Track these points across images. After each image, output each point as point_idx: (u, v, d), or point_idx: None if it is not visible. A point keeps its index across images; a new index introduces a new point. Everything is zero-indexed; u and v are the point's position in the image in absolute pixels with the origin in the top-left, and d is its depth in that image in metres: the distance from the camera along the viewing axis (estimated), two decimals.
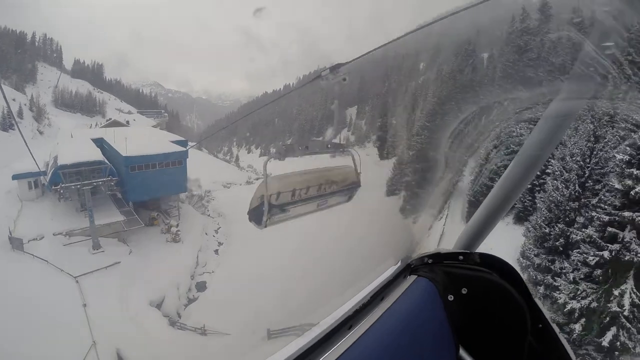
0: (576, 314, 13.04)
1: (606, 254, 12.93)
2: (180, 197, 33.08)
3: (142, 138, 34.13)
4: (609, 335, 12.04)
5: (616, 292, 12.28)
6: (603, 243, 13.30)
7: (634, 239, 12.73)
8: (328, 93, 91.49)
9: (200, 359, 16.34)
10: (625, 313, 11.91)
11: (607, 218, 13.50)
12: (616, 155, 14.37)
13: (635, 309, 12.13)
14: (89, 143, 32.27)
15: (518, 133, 20.97)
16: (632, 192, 12.45)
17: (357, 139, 71.83)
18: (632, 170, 12.88)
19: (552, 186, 16.81)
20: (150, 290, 21.32)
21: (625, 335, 12.02)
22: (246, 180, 54.25)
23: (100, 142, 33.10)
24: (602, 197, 15.05)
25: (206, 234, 31.46)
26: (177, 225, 29.06)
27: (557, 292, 14.69)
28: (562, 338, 1.29)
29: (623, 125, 15.75)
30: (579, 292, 13.41)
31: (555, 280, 15.21)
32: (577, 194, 16.74)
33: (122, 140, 29.37)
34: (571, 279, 14.49)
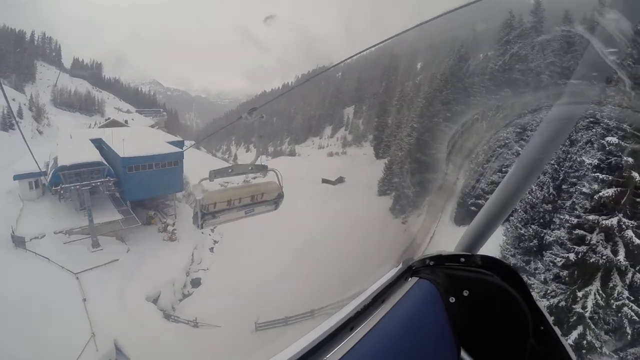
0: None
1: (572, 256, 13.45)
2: (177, 197, 33.77)
3: (139, 139, 34.68)
4: (574, 334, 12.39)
5: (580, 294, 12.74)
6: (570, 245, 13.84)
7: (600, 242, 13.18)
8: (325, 92, 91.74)
9: (191, 348, 17.28)
10: (588, 314, 12.32)
11: (575, 220, 14.18)
12: (585, 159, 15.15)
13: (600, 310, 12.57)
14: (88, 144, 32.88)
15: (505, 137, 21.83)
16: (596, 197, 13.20)
17: (354, 139, 72.07)
18: (597, 174, 13.64)
19: None
20: (146, 286, 22.09)
21: (592, 334, 12.39)
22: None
23: (98, 143, 33.72)
24: (575, 200, 15.91)
25: (202, 232, 32.29)
26: (174, 224, 29.73)
27: (531, 290, 15.52)
28: (564, 341, 1.28)
29: (594, 130, 16.52)
30: (548, 292, 14.11)
31: (530, 280, 16.04)
32: (551, 196, 17.61)
33: (119, 141, 30.04)
34: (542, 279, 15.23)
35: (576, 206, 14.99)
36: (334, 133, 79.67)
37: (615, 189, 13.26)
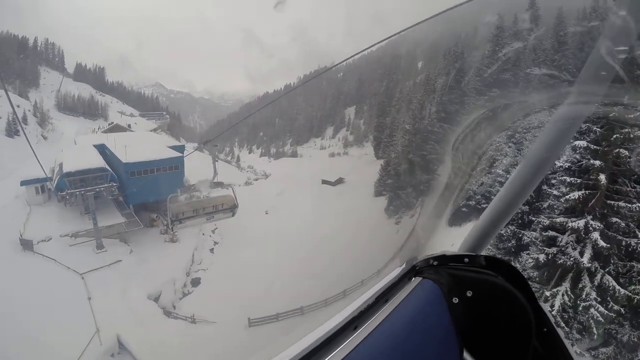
0: None
1: (542, 257, 13.83)
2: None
3: (141, 144, 35.66)
4: None
5: (548, 294, 13.12)
6: (541, 246, 14.27)
7: (570, 244, 13.51)
8: (327, 92, 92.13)
9: (188, 342, 18.43)
10: (554, 313, 12.56)
11: (547, 222, 14.50)
12: (556, 162, 15.84)
13: (570, 310, 12.89)
14: (92, 150, 34.05)
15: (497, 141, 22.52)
16: (562, 199, 13.92)
17: (355, 139, 71.86)
18: (565, 177, 14.31)
19: (495, 190, 18.42)
20: (148, 286, 22.99)
21: (562, 334, 13.11)
22: (245, 181, 55.32)
23: (102, 148, 34.89)
24: (551, 202, 16.61)
25: (203, 234, 32.52)
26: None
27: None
28: (567, 343, 1.27)
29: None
30: None
31: None
32: (530, 197, 18.36)
33: (122, 146, 30.99)
34: None
35: (550, 208, 15.68)
36: (335, 133, 79.44)
37: (584, 192, 13.90)
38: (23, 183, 28.95)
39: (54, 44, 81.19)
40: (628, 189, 13.79)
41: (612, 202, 13.51)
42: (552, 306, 13.09)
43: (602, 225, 13.39)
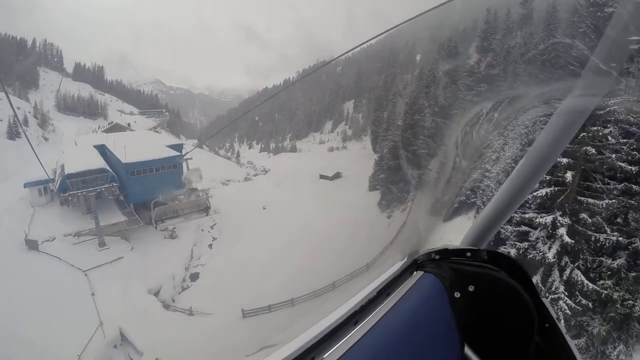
0: None
1: (513, 251, 14.35)
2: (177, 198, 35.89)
3: (140, 144, 36.39)
4: None
5: None
6: (513, 241, 14.80)
7: (541, 239, 14.09)
8: (326, 87, 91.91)
9: (186, 332, 19.61)
10: None
11: (519, 217, 14.89)
12: None
13: None
14: (92, 151, 34.85)
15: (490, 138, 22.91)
16: (530, 196, 14.61)
17: (354, 133, 71.47)
18: None
19: (484, 185, 19.19)
20: (149, 281, 23.99)
21: (564, 329, 13.66)
22: (244, 177, 55.54)
23: (102, 149, 35.68)
24: (527, 197, 17.36)
25: (202, 230, 33.16)
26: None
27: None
28: (569, 338, 1.25)
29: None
30: None
31: None
32: None
33: (121, 146, 31.75)
34: None
35: (523, 203, 16.40)
36: (334, 128, 79.49)
37: (553, 189, 14.56)
38: (26, 185, 29.91)
39: (52, 44, 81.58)
40: (598, 185, 14.48)
41: (582, 199, 14.09)
42: None
43: (570, 222, 13.98)
